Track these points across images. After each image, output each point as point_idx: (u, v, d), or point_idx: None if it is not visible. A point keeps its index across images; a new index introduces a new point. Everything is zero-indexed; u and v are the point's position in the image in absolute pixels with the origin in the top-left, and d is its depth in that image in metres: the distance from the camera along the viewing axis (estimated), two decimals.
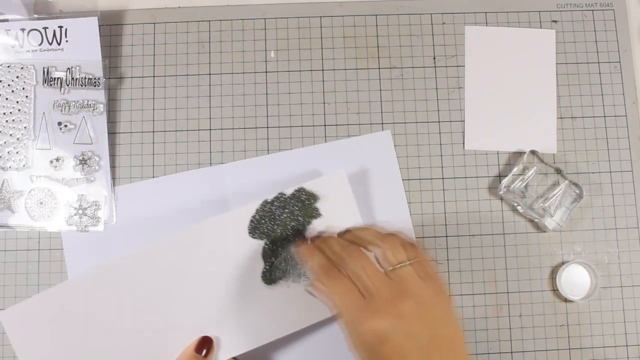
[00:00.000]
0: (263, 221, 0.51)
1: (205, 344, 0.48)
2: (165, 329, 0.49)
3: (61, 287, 0.49)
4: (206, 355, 0.47)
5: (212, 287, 0.49)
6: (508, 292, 0.57)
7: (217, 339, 0.49)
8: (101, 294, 0.49)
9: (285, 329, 0.49)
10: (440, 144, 0.60)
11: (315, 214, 0.51)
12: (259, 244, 0.50)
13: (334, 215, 0.52)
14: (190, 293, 0.49)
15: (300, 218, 0.51)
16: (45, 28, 0.59)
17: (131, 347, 0.48)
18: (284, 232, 0.51)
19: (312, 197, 0.52)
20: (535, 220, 0.58)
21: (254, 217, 0.51)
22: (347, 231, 0.50)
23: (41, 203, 0.57)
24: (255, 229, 0.50)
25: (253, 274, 0.50)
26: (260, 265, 0.50)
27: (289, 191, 0.52)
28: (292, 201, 0.51)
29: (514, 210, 0.59)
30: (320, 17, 0.62)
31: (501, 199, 0.59)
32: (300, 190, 0.52)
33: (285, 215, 0.51)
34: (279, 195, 0.51)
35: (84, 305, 0.49)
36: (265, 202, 0.51)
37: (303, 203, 0.51)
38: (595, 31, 0.62)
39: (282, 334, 0.49)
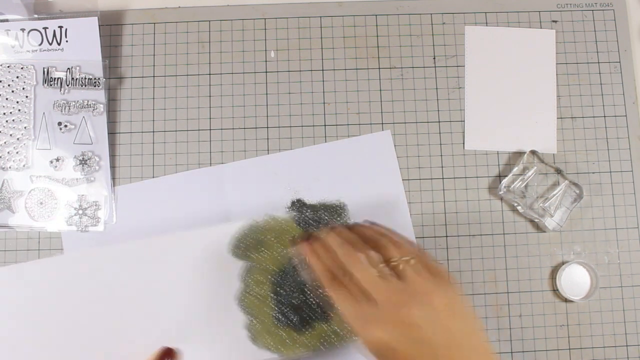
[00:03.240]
0: (247, 242, 0.49)
1: (168, 354, 0.46)
2: (129, 333, 0.47)
3: (27, 266, 0.47)
4: None
5: (184, 297, 0.48)
6: (508, 292, 0.57)
7: (179, 351, 0.46)
8: (69, 284, 0.46)
9: (251, 357, 0.47)
10: (440, 144, 0.60)
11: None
12: (238, 263, 0.49)
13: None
14: (160, 300, 0.47)
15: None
16: (45, 28, 0.59)
17: (91, 345, 0.46)
18: (268, 254, 0.49)
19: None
20: (535, 220, 0.58)
21: (238, 235, 0.49)
22: (347, 228, 0.47)
23: (41, 203, 0.57)
24: (237, 248, 0.49)
25: (227, 293, 0.48)
26: (235, 285, 0.48)
27: (279, 213, 0.50)
28: (281, 224, 0.50)
29: (514, 210, 0.58)
30: (320, 17, 0.62)
31: (501, 199, 0.59)
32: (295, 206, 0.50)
33: (270, 237, 0.49)
34: (267, 217, 0.50)
35: (48, 294, 0.46)
36: (254, 223, 0.49)
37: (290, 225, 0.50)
38: (595, 31, 0.62)
39: None
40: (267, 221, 0.50)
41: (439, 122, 0.60)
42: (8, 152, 0.57)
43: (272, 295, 0.48)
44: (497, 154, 0.60)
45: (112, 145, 0.59)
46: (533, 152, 0.58)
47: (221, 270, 0.49)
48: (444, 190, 0.59)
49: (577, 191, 0.58)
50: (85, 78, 0.58)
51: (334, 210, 0.57)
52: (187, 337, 0.47)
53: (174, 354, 0.46)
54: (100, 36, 0.59)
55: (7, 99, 0.58)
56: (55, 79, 0.58)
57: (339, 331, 0.48)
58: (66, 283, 0.47)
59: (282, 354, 0.47)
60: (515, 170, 0.58)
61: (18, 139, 0.58)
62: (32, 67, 0.58)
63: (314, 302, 0.48)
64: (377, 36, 0.61)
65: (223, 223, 0.50)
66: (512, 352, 0.56)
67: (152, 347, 0.46)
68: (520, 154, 0.59)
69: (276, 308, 0.48)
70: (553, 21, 0.62)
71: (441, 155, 0.59)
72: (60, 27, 0.59)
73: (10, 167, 0.57)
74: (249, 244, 0.49)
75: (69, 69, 0.58)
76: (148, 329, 0.47)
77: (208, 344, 0.47)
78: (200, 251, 0.49)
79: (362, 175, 0.58)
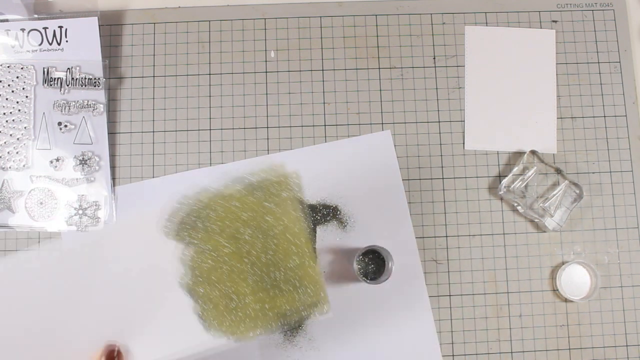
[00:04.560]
0: (186, 220, 0.46)
1: (111, 352, 0.44)
2: (73, 333, 0.45)
3: None
4: None
5: (125, 290, 0.45)
6: (508, 292, 0.57)
7: (125, 347, 0.45)
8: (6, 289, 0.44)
9: (202, 340, 0.46)
10: (440, 144, 0.60)
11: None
12: (177, 246, 0.46)
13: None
14: (101, 296, 0.45)
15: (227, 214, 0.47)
16: (45, 28, 0.59)
17: (36, 349, 0.44)
18: (210, 233, 0.46)
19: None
20: (535, 220, 0.58)
21: (172, 216, 0.46)
22: None
23: (41, 203, 0.57)
24: (176, 229, 0.46)
25: (169, 278, 0.46)
26: (178, 270, 0.46)
27: (219, 186, 0.46)
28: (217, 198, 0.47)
29: (514, 210, 0.59)
30: (320, 17, 0.62)
31: (501, 199, 0.59)
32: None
33: (209, 213, 0.46)
34: (199, 192, 0.46)
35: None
36: (184, 200, 0.46)
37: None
38: (595, 31, 0.62)
39: (200, 346, 0.46)
40: (197, 198, 0.47)
41: (439, 122, 0.60)
42: (8, 152, 0.57)
43: (225, 277, 0.46)
44: (497, 154, 0.60)
45: (112, 145, 0.59)
46: (533, 152, 0.58)
47: (161, 255, 0.46)
48: (444, 190, 0.59)
49: (577, 191, 0.58)
50: (85, 78, 0.58)
51: (331, 211, 0.57)
52: (137, 332, 0.45)
53: (118, 353, 0.45)
54: (100, 36, 0.59)
55: (7, 99, 0.58)
56: (55, 79, 0.58)
57: (292, 308, 0.47)
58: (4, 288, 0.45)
59: (236, 337, 0.46)
60: (515, 170, 0.58)
61: (18, 139, 0.58)
62: (32, 67, 0.58)
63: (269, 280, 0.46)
64: (377, 36, 0.61)
65: (155, 205, 0.47)
66: (512, 352, 0.56)
67: (93, 345, 0.44)
68: (520, 154, 0.59)
69: (230, 291, 0.46)
70: (553, 21, 0.62)
71: (441, 155, 0.59)
72: (60, 27, 0.59)
73: (10, 167, 0.57)
74: (185, 223, 0.46)
75: (69, 69, 0.58)
76: (93, 328, 0.45)
77: (159, 335, 0.45)
78: (137, 239, 0.46)
79: (362, 175, 0.58)
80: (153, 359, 0.45)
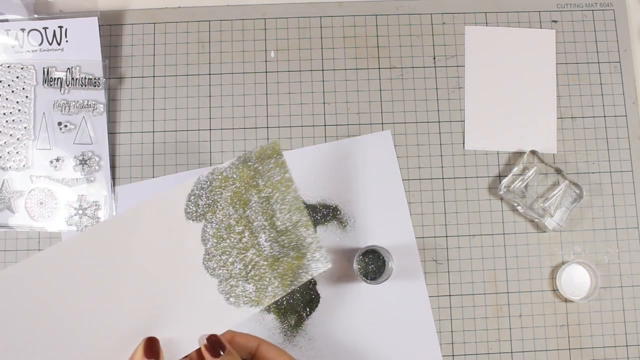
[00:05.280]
0: (200, 200, 0.44)
1: (152, 346, 0.44)
2: (103, 335, 0.42)
3: None
4: (157, 358, 0.42)
5: (151, 282, 0.43)
6: (508, 292, 0.57)
7: (166, 339, 0.43)
8: (17, 298, 0.40)
9: (234, 319, 0.45)
10: (440, 144, 0.60)
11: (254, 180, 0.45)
12: (197, 227, 0.46)
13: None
14: (127, 292, 0.42)
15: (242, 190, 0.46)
16: (45, 28, 0.59)
17: (65, 356, 0.41)
18: (225, 210, 0.46)
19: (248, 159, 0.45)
20: (535, 220, 0.58)
21: (190, 196, 0.44)
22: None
23: (41, 203, 0.57)
24: (191, 210, 0.44)
25: (194, 261, 0.44)
26: (200, 250, 0.44)
27: (225, 164, 0.45)
28: (231, 172, 0.46)
29: (514, 210, 0.59)
30: (320, 17, 0.62)
31: (501, 199, 0.59)
32: (240, 159, 0.45)
33: (226, 192, 0.46)
34: (211, 171, 0.45)
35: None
36: (198, 179, 0.44)
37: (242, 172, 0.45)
38: (595, 31, 0.62)
39: (232, 324, 0.45)
40: (210, 175, 0.47)
41: (439, 122, 0.60)
42: (8, 152, 0.57)
43: (237, 247, 0.46)
44: (497, 154, 0.60)
45: (112, 145, 0.59)
46: (533, 152, 0.58)
47: (182, 239, 0.46)
48: (444, 190, 0.59)
49: (577, 191, 0.58)
50: (85, 78, 0.58)
51: (331, 211, 0.57)
52: (167, 323, 0.44)
53: (157, 342, 0.44)
54: (100, 36, 0.59)
55: (7, 99, 0.58)
56: (55, 79, 0.58)
57: (305, 263, 0.47)
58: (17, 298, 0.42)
59: (260, 303, 0.46)
60: (515, 170, 0.58)
61: (18, 139, 0.58)
62: (32, 67, 0.58)
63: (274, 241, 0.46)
64: (377, 36, 0.61)
65: (171, 188, 0.46)
66: (512, 352, 0.56)
67: (125, 341, 0.44)
68: (520, 154, 0.59)
69: (246, 261, 0.46)
70: (553, 21, 0.62)
71: (441, 155, 0.59)
72: (60, 27, 0.59)
73: (10, 167, 0.57)
74: (199, 203, 0.46)
75: (69, 69, 0.58)
76: (121, 327, 0.44)
77: (187, 321, 0.45)
78: (156, 225, 0.45)
79: (362, 175, 0.58)
80: (191, 346, 0.45)
